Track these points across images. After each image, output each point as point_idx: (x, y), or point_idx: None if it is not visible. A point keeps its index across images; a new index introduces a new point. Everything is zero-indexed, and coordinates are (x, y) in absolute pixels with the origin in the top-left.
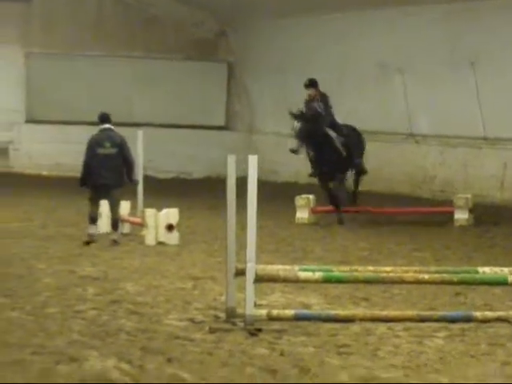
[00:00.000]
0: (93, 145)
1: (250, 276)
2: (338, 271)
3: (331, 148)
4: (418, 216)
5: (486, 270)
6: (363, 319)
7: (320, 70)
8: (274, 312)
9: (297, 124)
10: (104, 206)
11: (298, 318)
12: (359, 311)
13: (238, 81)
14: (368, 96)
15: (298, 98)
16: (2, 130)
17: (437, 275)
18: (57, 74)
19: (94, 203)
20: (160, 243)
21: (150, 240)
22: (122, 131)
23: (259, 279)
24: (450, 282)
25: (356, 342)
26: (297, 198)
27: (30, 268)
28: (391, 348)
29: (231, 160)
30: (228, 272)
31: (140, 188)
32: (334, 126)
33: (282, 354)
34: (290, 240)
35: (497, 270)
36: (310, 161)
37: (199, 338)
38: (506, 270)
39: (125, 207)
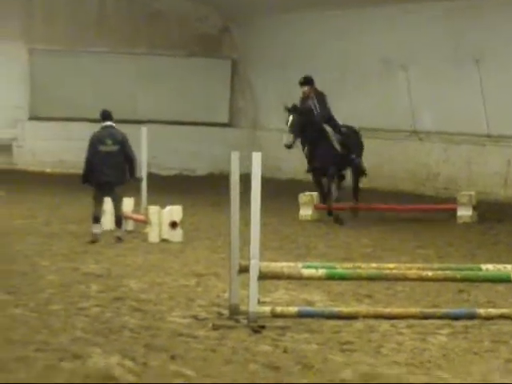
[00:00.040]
0: (94, 142)
1: (253, 273)
2: (342, 268)
3: (326, 144)
4: (421, 213)
5: (490, 267)
6: (366, 316)
7: (323, 66)
8: (278, 309)
9: (290, 118)
10: (107, 203)
11: (301, 315)
12: (362, 308)
13: (242, 77)
14: (371, 93)
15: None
16: (6, 126)
17: (440, 272)
18: (60, 70)
19: (98, 202)
20: (163, 240)
21: (153, 237)
22: (126, 128)
23: (263, 276)
24: (454, 279)
25: (359, 339)
26: (300, 196)
27: (34, 265)
28: (394, 345)
29: (235, 156)
30: (231, 269)
31: (144, 185)
32: (332, 123)
33: (285, 351)
34: (294, 237)
35: (500, 267)
36: (306, 156)
37: (202, 335)
38: (509, 267)
39: (128, 204)
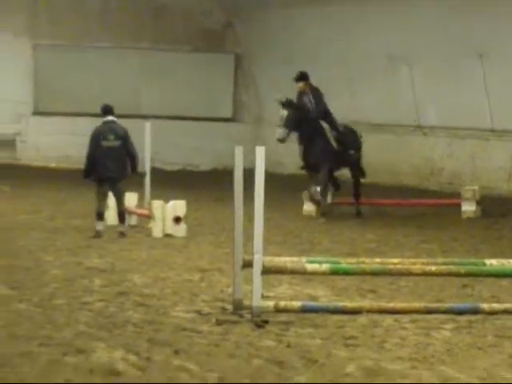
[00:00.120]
0: (96, 137)
1: (257, 268)
2: (346, 263)
3: (322, 140)
4: (425, 208)
5: (493, 262)
6: (370, 311)
7: (327, 61)
8: (281, 304)
9: (284, 112)
10: (110, 199)
11: (305, 310)
12: (366, 303)
13: (246, 72)
14: (375, 88)
15: None
16: (10, 122)
17: (444, 267)
18: (64, 65)
19: (101, 198)
20: (167, 235)
21: (157, 232)
22: (129, 123)
23: (266, 271)
24: (457, 274)
25: (363, 334)
26: (304, 191)
27: (38, 260)
28: (398, 340)
29: (238, 151)
30: (235, 264)
31: (147, 180)
32: (328, 119)
33: (288, 346)
34: (298, 232)
35: (504, 261)
36: (300, 152)
37: (206, 329)
38: None
39: (132, 199)
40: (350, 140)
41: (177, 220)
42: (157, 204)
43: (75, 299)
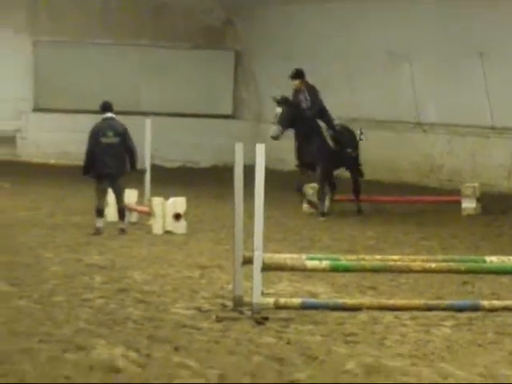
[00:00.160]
0: (95, 134)
1: (257, 264)
2: (346, 260)
3: (318, 139)
4: (425, 205)
5: (494, 259)
6: (370, 308)
7: (327, 58)
8: (281, 300)
9: (278, 109)
10: (110, 195)
11: (305, 307)
12: (366, 300)
13: (246, 69)
14: (375, 85)
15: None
16: (10, 118)
17: (444, 264)
18: (64, 62)
19: (101, 195)
20: (167, 232)
21: (157, 229)
22: (129, 120)
23: (266, 268)
24: (457, 271)
25: (363, 331)
26: (305, 188)
27: (38, 257)
28: (398, 337)
29: (239, 148)
30: (235, 260)
31: (147, 177)
32: (324, 117)
33: (288, 343)
34: (298, 229)
35: (504, 258)
36: (295, 151)
37: (206, 326)
38: None
39: (132, 196)
40: (346, 139)
41: (177, 217)
42: (157, 201)
43: (75, 296)
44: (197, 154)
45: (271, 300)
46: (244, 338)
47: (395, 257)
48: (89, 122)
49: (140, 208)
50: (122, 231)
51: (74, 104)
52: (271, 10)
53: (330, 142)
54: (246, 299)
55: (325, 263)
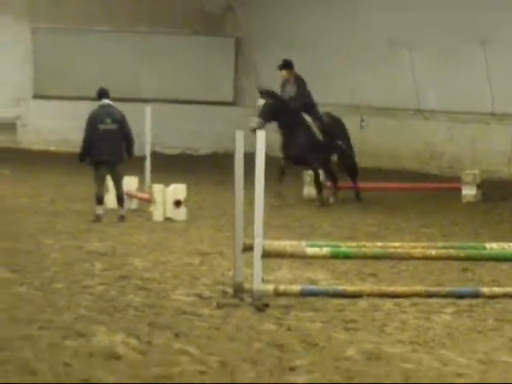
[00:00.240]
0: (93, 120)
1: (257, 251)
2: (346, 247)
3: (304, 132)
4: (425, 192)
5: (494, 246)
6: (370, 295)
7: (328, 46)
8: (282, 287)
9: (261, 102)
10: (109, 182)
11: (305, 294)
12: (366, 287)
13: (246, 56)
14: (377, 72)
15: (309, 75)
16: (10, 105)
17: (444, 251)
18: (64, 49)
19: (100, 182)
20: (167, 219)
21: (157, 216)
22: (129, 106)
23: (267, 255)
24: (458, 258)
25: (363, 318)
26: (304, 174)
27: (38, 243)
28: (398, 324)
29: (239, 135)
30: (236, 247)
31: (148, 164)
32: (311, 110)
33: (289, 330)
34: (298, 216)
35: (504, 245)
36: (281, 144)
37: (207, 313)
38: None
39: (132, 183)
40: (335, 130)
41: (177, 204)
42: (157, 188)
43: (76, 283)
44: (197, 141)
45: (271, 287)
46: (244, 324)
47: (396, 244)
48: (89, 108)
49: (140, 195)
50: (122, 218)
51: (74, 91)
52: None
53: (319, 134)
54: (247, 286)
55: (325, 250)
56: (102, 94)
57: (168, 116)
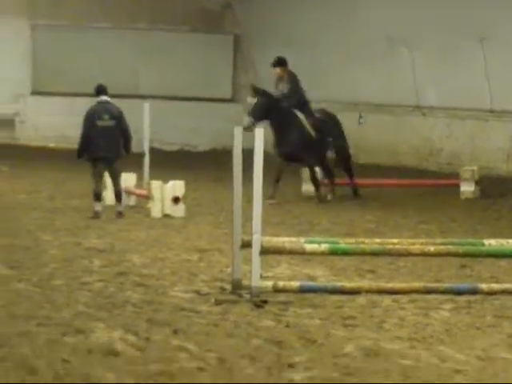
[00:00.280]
0: (91, 117)
1: (255, 248)
2: (344, 243)
3: (297, 129)
4: (424, 189)
5: (492, 243)
6: (369, 291)
7: (327, 43)
8: (280, 284)
9: (252, 100)
10: (107, 178)
11: (303, 290)
12: (365, 283)
13: (245, 53)
14: (375, 69)
15: (307, 73)
16: (8, 102)
17: (443, 247)
18: (63, 45)
19: (98, 178)
20: (166, 215)
21: (155, 212)
22: (128, 103)
23: (265, 251)
24: (456, 254)
25: (362, 314)
26: (303, 171)
27: (37, 240)
28: (397, 320)
29: (238, 132)
30: (234, 244)
31: (146, 160)
32: (304, 107)
33: (287, 326)
34: (296, 212)
35: (503, 242)
36: (274, 141)
37: (205, 309)
38: None
39: (131, 179)
40: (328, 126)
41: (175, 200)
42: (155, 184)
43: (74, 279)
44: (195, 138)
45: (270, 283)
46: (243, 321)
47: (394, 240)
48: (88, 105)
49: (138, 191)
50: (119, 214)
51: (73, 87)
52: None
53: (312, 132)
54: (245, 282)
55: (324, 246)
56: (100, 90)
57: (167, 112)
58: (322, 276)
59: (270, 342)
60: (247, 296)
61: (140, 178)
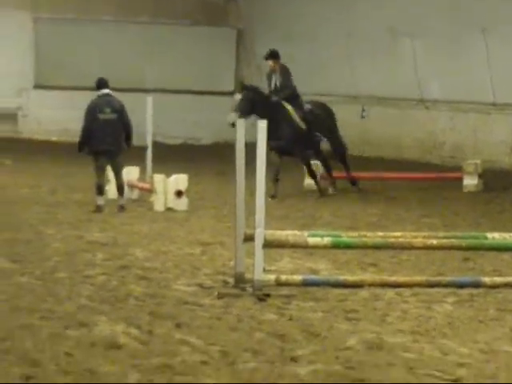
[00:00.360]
0: (92, 110)
1: (258, 241)
2: (347, 237)
3: (286, 122)
4: (427, 182)
5: (495, 236)
6: (372, 285)
7: (329, 37)
8: (283, 277)
9: (238, 95)
10: (109, 172)
11: (306, 284)
12: (368, 277)
13: (247, 47)
14: (377, 62)
15: (308, 66)
16: (11, 95)
17: (445, 241)
18: (65, 39)
19: (100, 172)
20: (169, 209)
21: (158, 206)
22: (131, 97)
23: (268, 245)
24: (459, 248)
25: (364, 308)
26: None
27: (39, 233)
28: (399, 313)
29: (240, 124)
30: (237, 237)
31: (149, 154)
32: (295, 100)
33: (290, 319)
34: (299, 206)
35: (506, 235)
36: None
37: (208, 303)
38: None
39: (134, 173)
40: (320, 119)
41: (178, 194)
42: (158, 178)
43: (77, 273)
44: (198, 131)
45: (272, 277)
46: (246, 314)
47: (397, 233)
48: (90, 99)
49: (141, 185)
50: (122, 208)
51: (75, 81)
52: None
53: (302, 124)
54: (248, 276)
55: (326, 240)
56: (102, 83)
57: (169, 106)
58: (325, 269)
59: (272, 335)
60: (250, 289)
61: (143, 172)
